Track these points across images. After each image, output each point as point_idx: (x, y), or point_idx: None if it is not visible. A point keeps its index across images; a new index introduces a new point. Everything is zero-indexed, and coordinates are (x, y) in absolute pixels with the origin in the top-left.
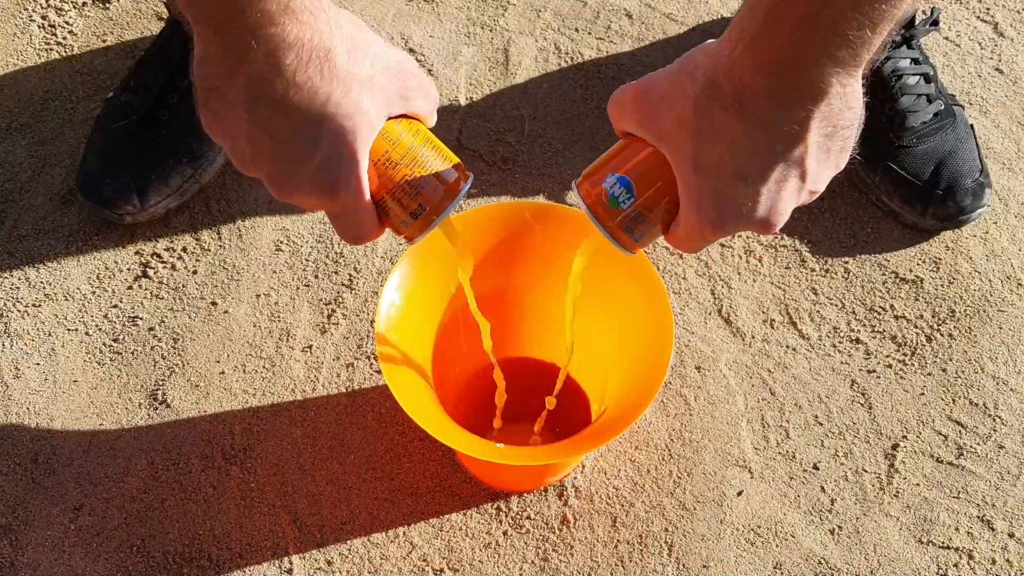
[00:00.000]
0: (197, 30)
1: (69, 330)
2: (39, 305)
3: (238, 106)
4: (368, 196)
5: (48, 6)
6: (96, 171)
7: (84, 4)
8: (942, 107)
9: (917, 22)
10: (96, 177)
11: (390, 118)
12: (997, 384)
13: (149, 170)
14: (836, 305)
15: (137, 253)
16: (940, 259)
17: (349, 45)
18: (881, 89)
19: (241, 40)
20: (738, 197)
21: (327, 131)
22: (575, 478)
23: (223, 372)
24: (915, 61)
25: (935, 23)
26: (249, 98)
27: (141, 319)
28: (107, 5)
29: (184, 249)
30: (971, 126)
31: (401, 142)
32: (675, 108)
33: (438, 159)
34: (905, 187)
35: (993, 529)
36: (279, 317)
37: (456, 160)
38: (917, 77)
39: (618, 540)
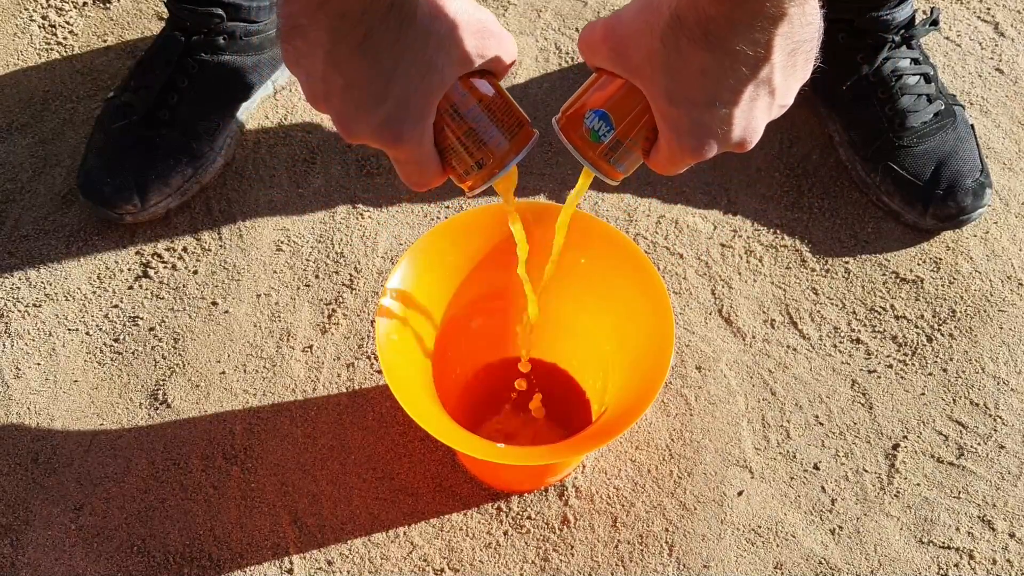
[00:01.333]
0: None
1: (70, 330)
2: (40, 305)
3: (318, 46)
4: (431, 149)
5: (48, 6)
6: (96, 171)
7: (85, 4)
8: (942, 107)
9: (917, 22)
10: (96, 177)
11: (464, 75)
12: (998, 384)
13: (149, 170)
14: (837, 305)
15: (138, 253)
16: (941, 259)
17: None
18: (881, 89)
19: None
20: (713, 122)
21: (397, 85)
22: (576, 478)
23: (224, 372)
24: (915, 61)
25: (935, 23)
26: (330, 39)
27: (142, 319)
28: (108, 5)
29: (185, 249)
30: (971, 126)
31: (471, 95)
32: (644, 43)
33: (506, 114)
34: (905, 187)
35: (994, 529)
36: (280, 317)
37: (524, 118)
38: (917, 77)
39: (619, 540)
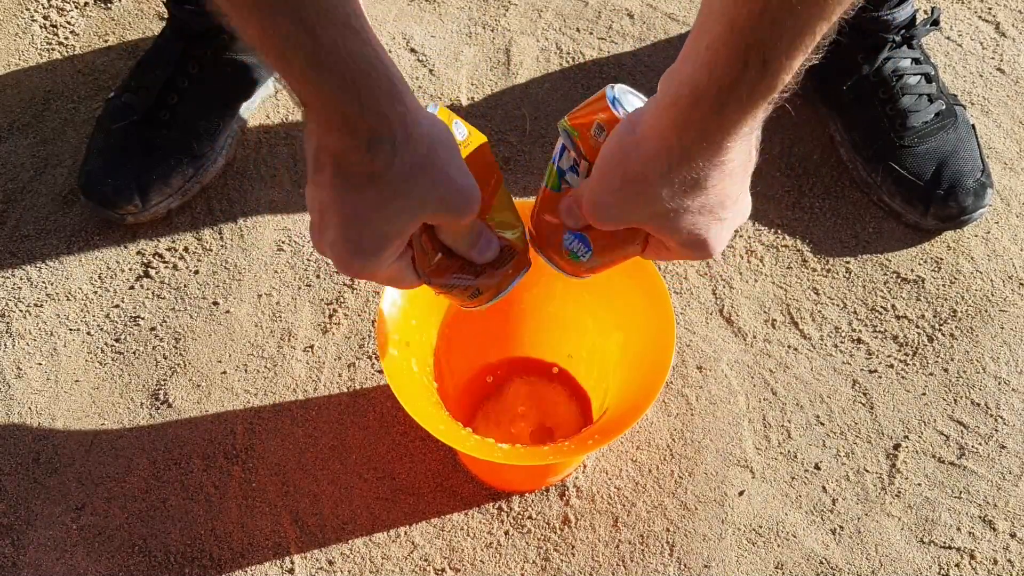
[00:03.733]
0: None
1: (71, 330)
2: (41, 305)
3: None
4: (404, 277)
5: (50, 6)
6: (97, 171)
7: (86, 4)
8: (943, 107)
9: (918, 22)
10: (97, 177)
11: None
12: (999, 384)
13: (150, 170)
14: (838, 305)
15: (139, 253)
16: (942, 259)
17: (420, 156)
18: (882, 89)
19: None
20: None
21: (368, 237)
22: (576, 478)
23: (225, 372)
24: (916, 61)
25: (935, 23)
26: (339, 175)
27: (143, 319)
28: (109, 5)
29: (186, 249)
30: (972, 126)
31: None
32: (639, 203)
33: (490, 248)
34: (907, 187)
35: (995, 529)
36: (281, 317)
37: (515, 244)
38: (918, 77)
39: (619, 540)
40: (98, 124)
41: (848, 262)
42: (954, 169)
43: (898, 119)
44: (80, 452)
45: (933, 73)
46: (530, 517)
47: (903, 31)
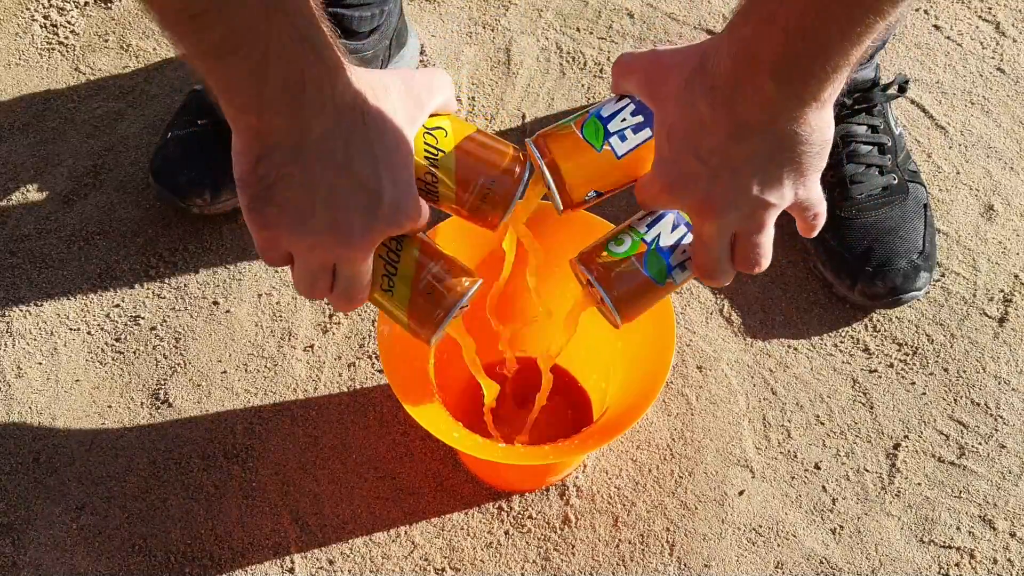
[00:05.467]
0: (256, 127)
1: (71, 329)
2: (41, 304)
3: (311, 184)
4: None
5: (50, 6)
6: (174, 160)
7: (86, 4)
8: (895, 181)
9: (879, 87)
10: (174, 166)
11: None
12: (999, 384)
13: (228, 171)
14: (838, 305)
15: (139, 252)
16: (942, 258)
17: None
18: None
19: (306, 116)
20: (690, 172)
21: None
22: (577, 477)
23: (225, 371)
24: (873, 129)
25: (902, 90)
26: (320, 168)
27: (143, 318)
28: (109, 5)
29: (186, 248)
30: (926, 205)
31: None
32: (673, 78)
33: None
34: (837, 259)
35: (994, 529)
36: (281, 316)
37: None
38: (871, 146)
39: (620, 539)
40: (182, 111)
41: None
42: (888, 247)
43: (838, 187)
44: (80, 451)
45: (890, 144)
46: (530, 517)
47: (858, 94)
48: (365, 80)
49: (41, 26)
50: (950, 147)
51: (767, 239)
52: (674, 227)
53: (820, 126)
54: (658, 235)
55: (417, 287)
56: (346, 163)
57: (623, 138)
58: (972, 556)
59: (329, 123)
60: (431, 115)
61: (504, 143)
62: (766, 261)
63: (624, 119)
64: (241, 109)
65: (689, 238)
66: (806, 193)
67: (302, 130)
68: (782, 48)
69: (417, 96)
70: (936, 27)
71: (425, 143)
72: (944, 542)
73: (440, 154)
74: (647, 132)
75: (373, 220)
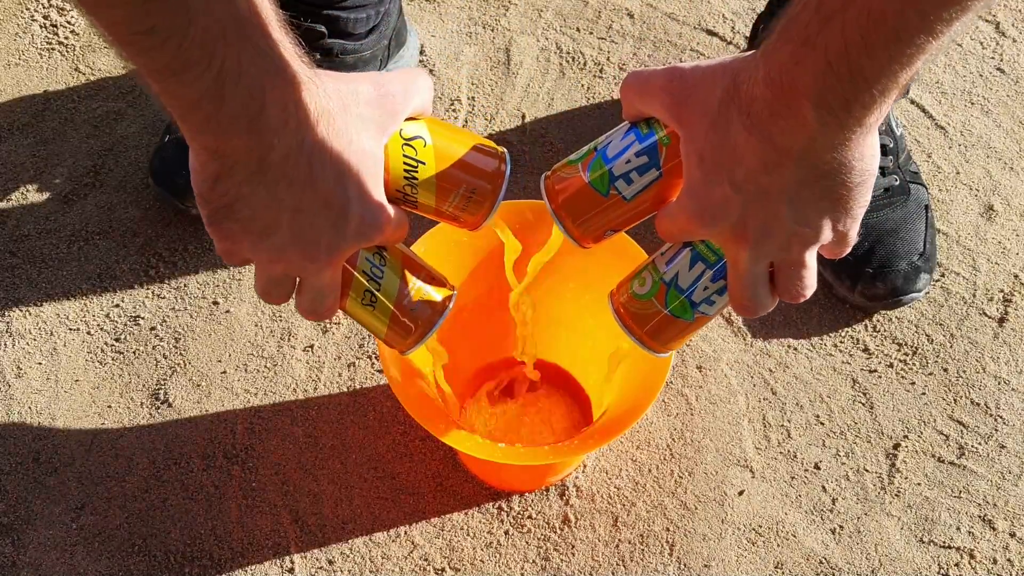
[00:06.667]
0: (214, 147)
1: (71, 329)
2: (41, 304)
3: (274, 202)
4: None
5: (50, 6)
6: (173, 161)
7: None
8: (896, 183)
9: None
10: (172, 167)
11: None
12: (998, 384)
13: None
14: (838, 304)
15: (139, 252)
16: (942, 259)
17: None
18: None
19: (265, 141)
20: (723, 199)
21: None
22: (576, 477)
23: (225, 371)
24: None
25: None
26: (283, 186)
27: (143, 318)
28: None
29: (186, 248)
30: (927, 207)
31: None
32: (703, 100)
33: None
34: (837, 260)
35: (994, 529)
36: (281, 316)
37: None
38: None
39: (619, 539)
40: None
41: None
42: (888, 249)
43: None
44: (80, 452)
45: (892, 146)
46: (530, 517)
47: None
48: (333, 90)
49: (41, 26)
50: (950, 147)
51: (808, 272)
52: (692, 264)
53: (864, 154)
54: (676, 274)
55: (401, 303)
56: (310, 181)
57: (629, 181)
58: (972, 556)
59: (291, 141)
60: (408, 118)
61: (484, 145)
62: (810, 291)
63: (629, 160)
64: (198, 129)
65: (709, 273)
66: (845, 229)
67: (263, 149)
68: (822, 73)
69: (390, 102)
70: None
71: (404, 155)
72: (944, 542)
73: (420, 166)
74: (654, 173)
75: (340, 237)
